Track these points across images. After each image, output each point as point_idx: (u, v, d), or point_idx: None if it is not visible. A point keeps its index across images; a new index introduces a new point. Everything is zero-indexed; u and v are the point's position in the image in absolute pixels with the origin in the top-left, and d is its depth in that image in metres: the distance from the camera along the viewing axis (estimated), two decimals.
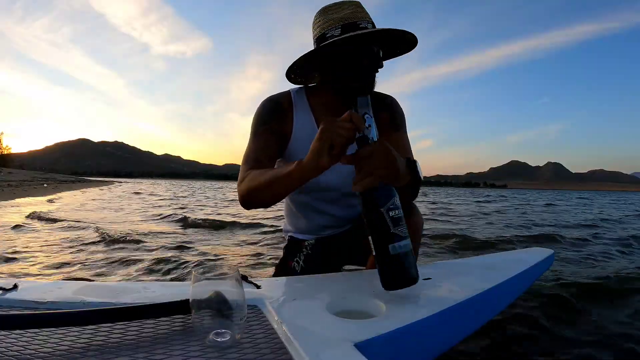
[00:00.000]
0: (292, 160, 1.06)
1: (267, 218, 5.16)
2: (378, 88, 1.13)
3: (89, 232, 3.64)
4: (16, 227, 3.87)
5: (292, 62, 0.97)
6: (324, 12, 0.95)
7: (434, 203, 11.65)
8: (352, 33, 0.88)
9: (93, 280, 1.99)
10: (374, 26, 0.92)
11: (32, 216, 4.88)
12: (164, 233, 3.84)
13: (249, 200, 0.92)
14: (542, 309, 1.55)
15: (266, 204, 0.92)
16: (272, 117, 1.04)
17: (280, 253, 1.28)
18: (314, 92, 1.08)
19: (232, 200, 10.74)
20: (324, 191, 1.09)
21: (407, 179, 0.78)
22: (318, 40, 0.94)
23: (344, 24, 0.91)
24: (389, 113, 1.09)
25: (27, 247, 2.81)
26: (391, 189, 0.70)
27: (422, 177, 0.85)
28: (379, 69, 0.96)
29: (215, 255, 2.74)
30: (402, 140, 1.08)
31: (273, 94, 1.11)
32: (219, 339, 0.53)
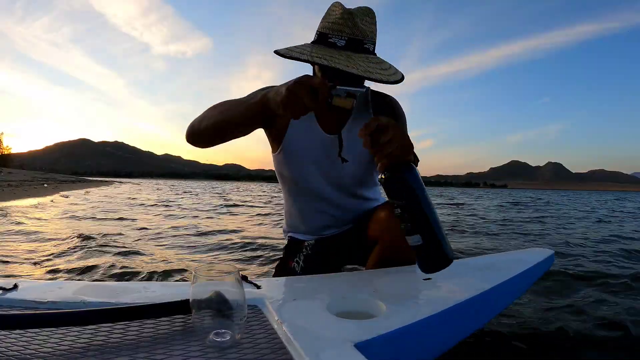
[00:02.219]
0: (289, 150, 1.07)
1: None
2: (378, 87, 1.13)
3: None
4: None
5: (287, 50, 0.89)
6: (328, 11, 0.91)
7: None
8: (299, 55, 0.83)
9: (93, 280, 1.99)
10: (351, 44, 0.86)
11: None
12: None
13: (197, 128, 0.93)
14: (542, 309, 1.55)
15: (211, 133, 0.92)
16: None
17: (281, 253, 1.28)
18: None
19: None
20: (324, 192, 1.09)
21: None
22: (319, 35, 0.90)
23: (322, 32, 0.88)
24: (390, 113, 1.08)
25: None
26: (396, 186, 0.69)
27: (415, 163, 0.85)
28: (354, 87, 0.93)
29: (216, 255, 2.75)
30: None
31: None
32: (219, 339, 0.53)
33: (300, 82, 0.71)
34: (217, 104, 0.94)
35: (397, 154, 0.67)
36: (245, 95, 0.95)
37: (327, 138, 1.05)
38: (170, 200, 9.85)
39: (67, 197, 9.71)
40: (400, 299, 0.70)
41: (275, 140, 1.07)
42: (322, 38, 0.89)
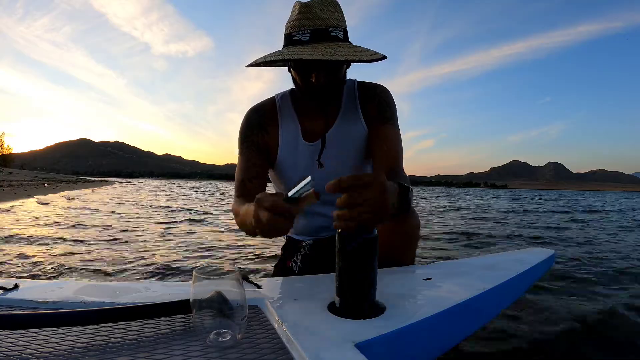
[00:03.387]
0: (281, 168, 1.07)
1: None
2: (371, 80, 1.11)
3: None
4: None
5: (255, 61, 0.90)
6: (299, 8, 0.88)
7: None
8: (269, 58, 0.85)
9: (94, 280, 2.00)
10: (315, 35, 0.85)
11: None
12: None
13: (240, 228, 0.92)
14: (542, 309, 1.55)
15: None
16: (253, 131, 1.03)
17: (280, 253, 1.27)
18: (299, 95, 1.05)
19: None
20: (321, 194, 1.09)
21: (394, 211, 0.67)
22: (285, 37, 0.91)
23: (287, 33, 0.89)
24: (376, 104, 1.04)
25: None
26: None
27: (411, 206, 0.79)
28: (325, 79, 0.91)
29: (216, 255, 2.75)
30: (389, 132, 1.01)
31: (260, 101, 1.09)
32: (219, 339, 0.54)
33: (259, 221, 0.62)
34: (235, 213, 0.90)
35: (367, 218, 0.57)
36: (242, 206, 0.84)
37: (310, 146, 1.04)
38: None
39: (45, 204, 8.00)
40: (400, 299, 0.70)
41: (269, 162, 1.08)
42: (288, 39, 0.89)
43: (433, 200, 15.25)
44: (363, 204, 0.57)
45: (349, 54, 0.82)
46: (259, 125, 1.04)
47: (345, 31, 0.90)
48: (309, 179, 0.61)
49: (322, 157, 1.04)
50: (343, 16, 0.91)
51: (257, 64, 0.88)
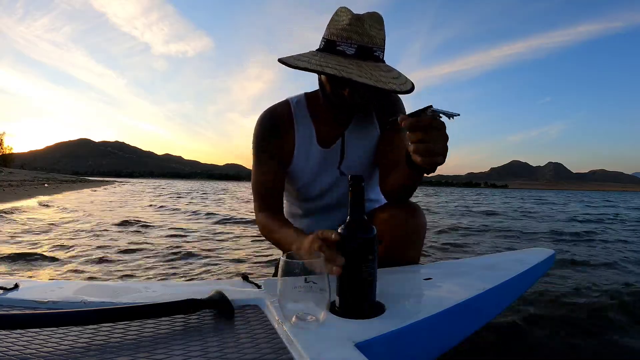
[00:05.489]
0: (294, 172, 1.06)
1: None
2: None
3: None
4: None
5: (293, 60, 0.85)
6: (335, 17, 0.88)
7: None
8: (331, 70, 0.79)
9: (94, 280, 2.00)
10: (360, 51, 0.84)
11: None
12: None
13: (265, 237, 1.03)
14: (542, 309, 1.55)
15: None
16: (271, 140, 1.02)
17: (279, 253, 1.27)
18: (314, 99, 1.05)
19: None
20: (325, 201, 1.09)
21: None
22: (326, 42, 0.87)
23: (329, 39, 0.86)
24: (393, 112, 1.05)
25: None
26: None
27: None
28: (365, 98, 0.92)
29: (216, 255, 2.75)
30: (404, 140, 1.03)
31: (272, 104, 1.06)
32: (304, 320, 0.57)
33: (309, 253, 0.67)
34: (267, 228, 1.00)
35: (442, 154, 0.68)
36: (281, 229, 0.95)
37: (324, 151, 1.04)
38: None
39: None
40: (400, 299, 0.70)
41: (285, 165, 1.06)
42: (329, 45, 0.86)
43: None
44: (437, 139, 0.67)
45: (390, 82, 0.81)
46: (275, 131, 1.02)
47: (384, 51, 0.89)
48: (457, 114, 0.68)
49: (341, 159, 1.05)
50: (385, 36, 0.89)
51: (295, 65, 0.82)
